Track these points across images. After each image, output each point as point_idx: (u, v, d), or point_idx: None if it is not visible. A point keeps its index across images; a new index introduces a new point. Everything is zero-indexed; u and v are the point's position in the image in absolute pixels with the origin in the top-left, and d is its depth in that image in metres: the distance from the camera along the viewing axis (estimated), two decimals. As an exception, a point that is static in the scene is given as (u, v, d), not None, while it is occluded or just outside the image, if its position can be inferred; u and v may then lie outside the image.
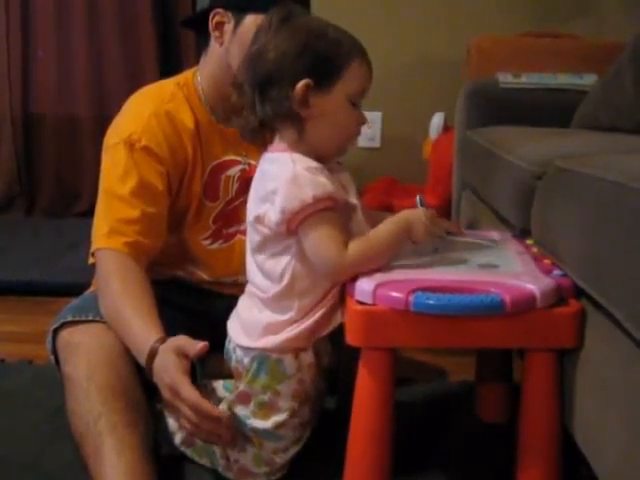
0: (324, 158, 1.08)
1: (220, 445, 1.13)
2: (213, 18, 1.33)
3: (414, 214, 1.06)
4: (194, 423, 1.05)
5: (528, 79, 2.06)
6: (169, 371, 1.06)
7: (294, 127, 1.04)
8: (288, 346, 1.07)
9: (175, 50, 3.07)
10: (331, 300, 1.06)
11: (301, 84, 1.01)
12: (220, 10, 1.32)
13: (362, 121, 1.09)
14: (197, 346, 1.07)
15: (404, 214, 1.07)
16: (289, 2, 1.07)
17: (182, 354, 1.08)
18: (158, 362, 1.09)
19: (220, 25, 1.33)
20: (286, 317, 1.06)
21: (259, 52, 1.04)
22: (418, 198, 1.13)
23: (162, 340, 1.11)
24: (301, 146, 1.05)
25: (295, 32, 1.03)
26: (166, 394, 1.08)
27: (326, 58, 1.03)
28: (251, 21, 1.29)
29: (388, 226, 1.05)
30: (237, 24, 1.31)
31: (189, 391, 1.04)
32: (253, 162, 1.40)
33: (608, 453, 0.88)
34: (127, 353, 1.19)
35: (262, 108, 1.04)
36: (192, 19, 1.51)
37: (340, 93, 1.04)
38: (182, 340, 1.09)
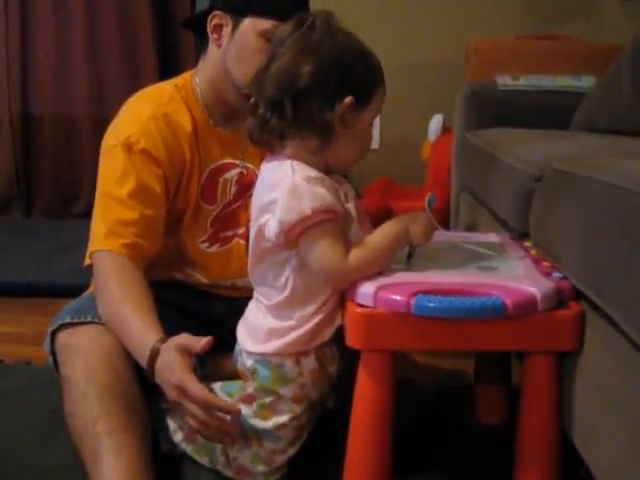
0: (333, 171, 1.08)
1: (226, 443, 1.13)
2: (211, 20, 1.33)
3: (414, 218, 1.07)
4: (202, 421, 1.05)
5: (526, 81, 2.07)
6: (174, 370, 1.05)
7: (321, 138, 1.03)
8: (288, 351, 1.07)
9: (174, 50, 3.07)
10: (330, 306, 1.07)
11: (348, 100, 1.02)
12: (219, 12, 1.32)
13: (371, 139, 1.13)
14: (201, 341, 1.07)
15: (404, 218, 1.08)
16: (305, 10, 1.07)
17: (185, 352, 1.07)
18: (161, 362, 1.09)
19: (218, 27, 1.33)
20: (286, 324, 1.07)
21: (296, 61, 1.01)
22: (428, 197, 1.12)
23: (163, 340, 1.11)
24: (317, 157, 1.05)
25: (339, 50, 1.03)
26: (172, 393, 1.07)
27: (365, 82, 1.05)
28: (249, 24, 1.29)
29: (388, 231, 1.06)
30: (235, 27, 1.31)
31: (197, 388, 1.03)
32: (251, 166, 1.40)
33: (606, 455, 0.88)
34: (125, 355, 1.18)
35: (295, 116, 1.02)
36: (191, 20, 1.51)
37: (369, 115, 1.07)
38: (185, 338, 1.09)
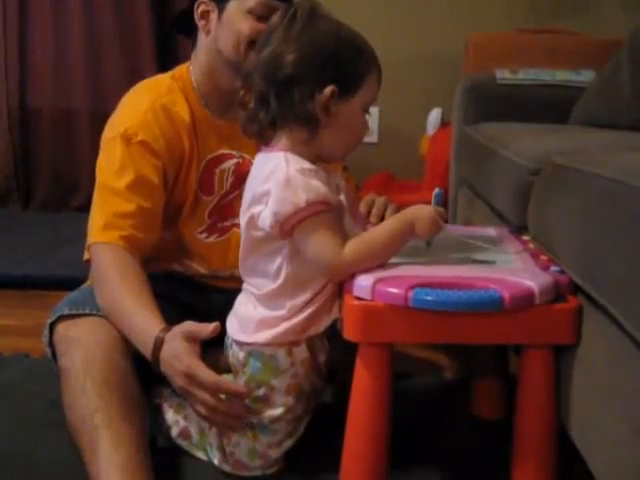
0: (325, 161, 1.08)
1: (235, 428, 1.12)
2: (198, 8, 1.35)
3: (419, 211, 1.05)
4: (211, 406, 1.06)
5: (525, 75, 2.07)
6: (181, 357, 1.06)
7: (308, 129, 1.03)
8: (280, 341, 1.07)
9: (173, 43, 3.05)
10: (323, 297, 1.07)
11: (328, 90, 1.01)
12: (203, 0, 1.34)
13: (367, 127, 1.10)
14: (209, 327, 1.07)
15: (409, 212, 1.06)
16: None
17: (191, 339, 1.08)
18: (166, 351, 1.09)
19: (205, 14, 1.35)
20: (278, 314, 1.07)
21: (279, 52, 1.02)
22: (437, 191, 1.11)
23: (166, 329, 1.11)
24: (308, 147, 1.05)
25: (321, 37, 1.02)
26: (180, 381, 1.07)
27: (351, 69, 1.04)
28: (234, 5, 1.31)
29: (391, 224, 1.05)
30: (221, 11, 1.33)
31: (207, 373, 1.04)
32: (247, 156, 1.40)
33: (604, 450, 0.88)
34: (124, 347, 1.18)
35: (279, 107, 1.03)
36: (180, 18, 1.51)
37: (358, 102, 1.06)
38: (190, 325, 1.09)
